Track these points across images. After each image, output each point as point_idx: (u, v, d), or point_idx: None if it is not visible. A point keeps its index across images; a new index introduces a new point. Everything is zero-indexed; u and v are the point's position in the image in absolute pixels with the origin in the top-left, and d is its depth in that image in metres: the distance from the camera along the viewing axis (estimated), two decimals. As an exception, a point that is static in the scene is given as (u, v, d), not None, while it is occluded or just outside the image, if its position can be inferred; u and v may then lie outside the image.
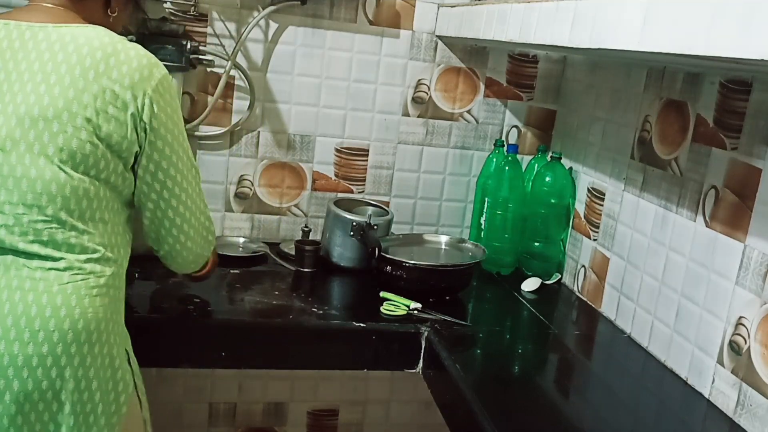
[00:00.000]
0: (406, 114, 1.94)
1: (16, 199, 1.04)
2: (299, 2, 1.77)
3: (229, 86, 1.82)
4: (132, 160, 1.13)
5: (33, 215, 1.04)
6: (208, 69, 1.79)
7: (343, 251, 1.76)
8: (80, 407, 1.05)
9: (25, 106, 1.04)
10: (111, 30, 1.14)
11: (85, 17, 1.15)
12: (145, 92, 1.10)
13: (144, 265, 1.67)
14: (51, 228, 1.05)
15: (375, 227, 1.72)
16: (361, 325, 1.48)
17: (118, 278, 1.14)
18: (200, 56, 1.73)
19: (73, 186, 1.06)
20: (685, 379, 1.39)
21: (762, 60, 0.72)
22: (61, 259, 1.05)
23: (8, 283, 1.03)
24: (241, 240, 1.88)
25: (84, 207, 1.08)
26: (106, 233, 1.12)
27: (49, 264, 1.05)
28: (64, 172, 1.05)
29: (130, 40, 1.67)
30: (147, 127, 1.11)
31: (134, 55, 1.10)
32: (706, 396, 1.33)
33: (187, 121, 1.80)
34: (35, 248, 1.04)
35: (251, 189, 1.89)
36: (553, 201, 1.84)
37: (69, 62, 1.06)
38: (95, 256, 1.09)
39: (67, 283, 1.05)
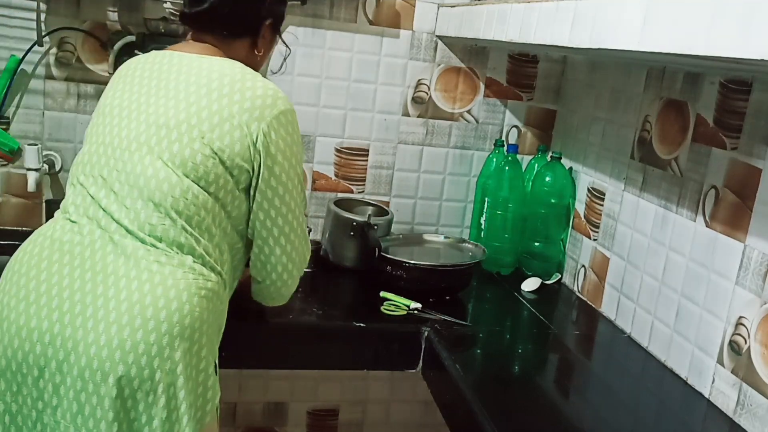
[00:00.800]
0: (406, 114, 1.94)
1: (135, 194, 1.13)
2: (299, 2, 1.77)
3: (229, 86, 1.81)
4: (245, 181, 1.20)
5: (149, 210, 1.12)
6: (208, 69, 1.79)
7: (343, 251, 1.76)
8: (174, 402, 1.07)
9: (154, 116, 1.16)
10: (254, 69, 1.25)
11: (230, 56, 1.26)
12: (263, 119, 1.17)
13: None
14: (164, 224, 1.12)
15: (375, 227, 1.72)
16: (361, 325, 1.48)
17: (221, 289, 1.18)
18: (200, 56, 1.73)
19: (183, 190, 1.13)
20: (685, 379, 1.39)
21: (762, 60, 0.72)
22: (176, 255, 1.12)
23: (127, 272, 1.08)
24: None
25: (192, 212, 1.14)
26: (211, 245, 1.17)
27: (164, 258, 1.11)
28: (177, 175, 1.13)
29: (131, 42, 1.70)
30: (262, 151, 1.18)
31: (261, 86, 1.19)
32: (706, 396, 1.33)
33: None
34: (152, 240, 1.11)
35: (251, 189, 1.89)
36: (553, 201, 1.84)
37: (198, 83, 1.17)
38: (201, 260, 1.15)
39: (181, 279, 1.10)
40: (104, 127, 1.20)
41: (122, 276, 1.08)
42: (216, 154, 1.15)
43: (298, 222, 1.27)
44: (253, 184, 1.21)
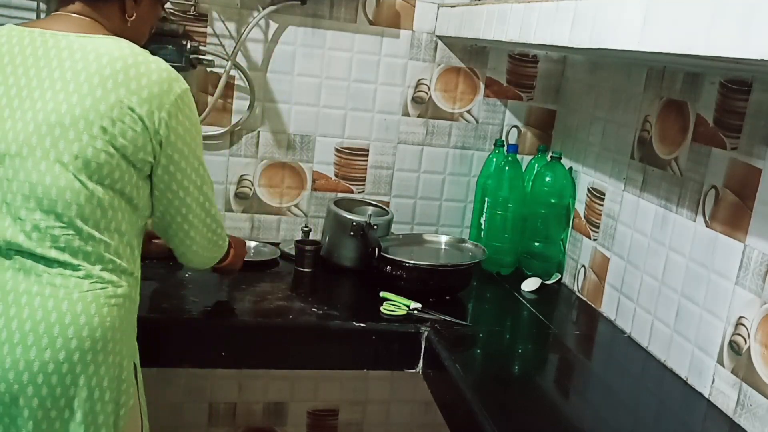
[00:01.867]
0: (406, 114, 1.94)
1: (32, 204, 1.04)
2: (299, 2, 1.77)
3: (229, 86, 1.82)
4: (147, 171, 1.13)
5: (49, 221, 1.04)
6: (208, 69, 1.79)
7: (343, 251, 1.76)
8: (91, 417, 1.05)
9: (43, 113, 1.04)
10: (134, 40, 1.15)
11: (107, 26, 1.16)
12: (162, 106, 1.10)
13: (143, 265, 1.66)
14: (68, 235, 1.05)
15: (375, 227, 1.72)
16: (361, 325, 1.48)
17: (133, 290, 1.14)
18: (200, 56, 1.73)
19: (88, 195, 1.06)
20: (685, 379, 1.39)
21: (762, 60, 0.72)
22: (80, 267, 1.06)
23: (28, 288, 1.03)
24: (253, 244, 1.86)
25: (99, 216, 1.08)
26: (121, 244, 1.11)
27: (68, 271, 1.05)
28: (79, 180, 1.05)
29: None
30: (163, 141, 1.11)
31: (154, 68, 1.10)
32: (706, 396, 1.33)
33: (187, 121, 1.80)
34: (53, 254, 1.04)
35: (251, 189, 1.90)
36: (553, 201, 1.84)
37: (88, 71, 1.06)
38: (110, 266, 1.09)
39: (87, 291, 1.05)
40: None
41: (23, 293, 1.02)
42: (118, 150, 1.07)
43: (198, 204, 1.21)
44: (154, 171, 1.14)
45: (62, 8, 1.15)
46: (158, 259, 1.63)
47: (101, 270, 1.07)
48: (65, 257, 1.05)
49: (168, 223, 1.21)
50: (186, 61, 1.68)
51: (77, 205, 1.05)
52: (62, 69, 1.06)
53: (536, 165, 1.92)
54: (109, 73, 1.06)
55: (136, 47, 1.12)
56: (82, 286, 1.05)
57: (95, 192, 1.06)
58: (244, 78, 1.81)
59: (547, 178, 1.84)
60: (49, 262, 1.04)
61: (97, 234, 1.07)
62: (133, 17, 1.19)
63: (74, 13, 1.14)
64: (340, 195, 1.94)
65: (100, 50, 1.08)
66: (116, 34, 1.15)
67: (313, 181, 1.93)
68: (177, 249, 1.27)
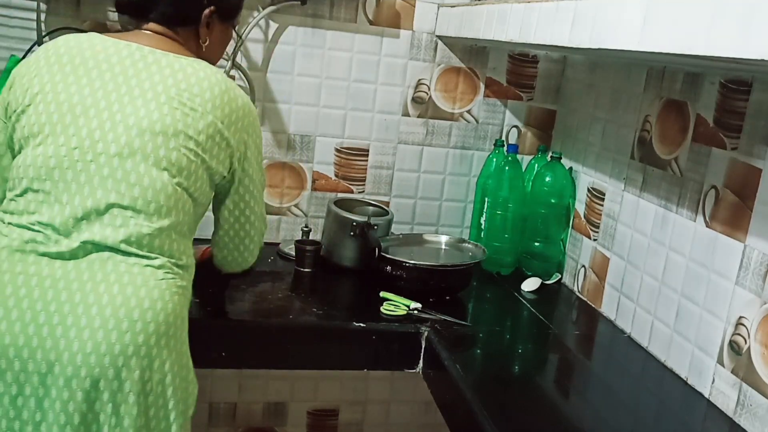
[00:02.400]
0: (406, 114, 1.94)
1: (126, 202, 1.10)
2: (299, 2, 1.77)
3: (229, 86, 1.81)
4: (217, 180, 1.24)
5: (140, 219, 1.11)
6: (208, 69, 1.79)
7: (343, 251, 1.76)
8: (163, 399, 1.10)
9: (148, 121, 1.12)
10: (209, 62, 1.26)
11: (186, 48, 1.25)
12: (244, 129, 1.23)
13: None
14: (152, 233, 1.12)
15: (375, 227, 1.72)
16: (361, 325, 1.48)
17: (190, 285, 1.21)
18: (200, 56, 1.73)
19: (176, 199, 1.14)
20: (685, 379, 1.39)
21: (762, 60, 0.72)
22: (157, 258, 1.12)
23: (105, 276, 1.07)
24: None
25: (181, 219, 1.16)
26: (186, 244, 1.20)
27: (145, 261, 1.11)
28: (172, 185, 1.13)
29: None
30: (242, 158, 1.25)
31: (239, 94, 1.23)
32: (706, 396, 1.33)
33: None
34: (134, 249, 1.10)
35: (251, 189, 1.89)
36: (553, 201, 1.84)
37: (191, 92, 1.16)
38: (180, 262, 1.16)
39: (161, 279, 1.11)
40: (68, 127, 1.11)
41: (100, 281, 1.06)
42: (207, 166, 1.18)
43: (259, 206, 1.35)
44: (227, 178, 1.26)
45: (142, 26, 1.24)
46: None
47: (169, 262, 1.14)
48: (144, 250, 1.11)
49: (237, 230, 1.34)
50: (186, 61, 1.68)
51: (167, 208, 1.13)
52: (165, 85, 1.15)
53: (536, 165, 1.92)
54: (209, 96, 1.17)
55: (221, 73, 1.23)
56: (156, 275, 1.11)
57: (182, 197, 1.15)
58: (244, 78, 1.81)
59: (547, 178, 1.84)
60: (127, 254, 1.09)
61: (174, 235, 1.15)
62: (207, 42, 1.29)
63: (154, 31, 1.23)
64: (340, 195, 1.94)
65: (199, 74, 1.18)
66: (195, 56, 1.25)
67: (313, 181, 1.93)
68: (237, 256, 1.39)
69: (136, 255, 1.10)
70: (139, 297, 1.07)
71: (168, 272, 1.12)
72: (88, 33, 1.21)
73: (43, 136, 1.11)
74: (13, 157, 1.16)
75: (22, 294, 1.04)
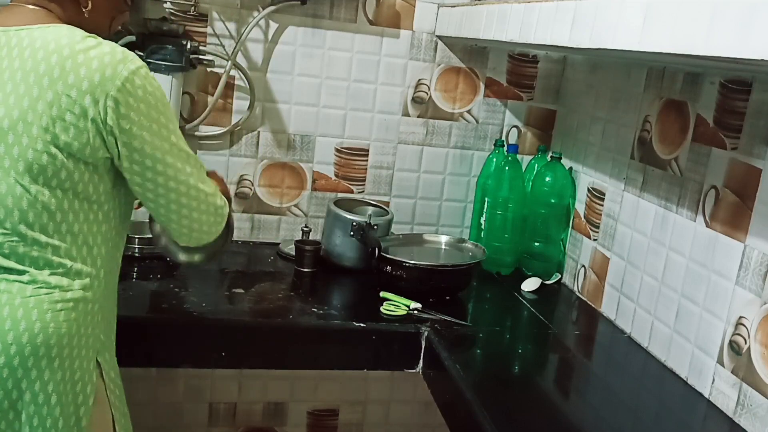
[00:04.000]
0: (406, 114, 1.94)
1: None
2: (299, 2, 1.77)
3: (229, 86, 1.82)
4: (105, 165, 1.07)
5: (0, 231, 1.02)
6: (208, 69, 1.79)
7: (343, 251, 1.76)
8: (38, 419, 1.04)
9: None
10: (95, 33, 1.08)
11: (62, 18, 1.10)
12: (107, 94, 1.02)
13: (143, 265, 1.67)
14: (11, 241, 1.02)
15: (375, 227, 1.72)
16: (361, 325, 1.48)
17: (92, 290, 1.09)
18: (200, 56, 1.73)
19: (30, 199, 1.02)
20: (685, 379, 1.39)
21: (762, 60, 0.72)
22: (25, 272, 1.03)
23: None
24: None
25: (45, 220, 1.04)
26: (75, 246, 1.07)
27: (12, 277, 1.03)
28: (20, 185, 1.01)
29: (131, 42, 1.69)
30: (114, 130, 1.04)
31: (95, 55, 1.02)
32: (706, 396, 1.33)
33: (187, 121, 1.80)
34: None
35: (251, 189, 1.89)
36: (553, 201, 1.84)
37: (24, 69, 1.01)
38: (61, 270, 1.05)
39: (30, 296, 1.02)
40: None
41: None
42: (62, 149, 1.02)
43: (186, 185, 1.12)
44: (117, 164, 1.08)
45: None
46: (158, 259, 1.63)
47: (49, 275, 1.04)
48: (10, 263, 1.02)
49: (165, 213, 1.14)
50: (186, 61, 1.68)
51: (19, 211, 1.02)
52: (12, 69, 1.01)
53: (536, 165, 1.92)
54: (44, 69, 1.00)
55: (78, 35, 1.04)
56: (24, 292, 1.02)
57: (39, 196, 1.02)
58: (244, 78, 1.81)
59: (547, 178, 1.84)
60: None
61: (43, 238, 1.04)
62: (89, 7, 1.12)
63: (29, 4, 1.08)
64: (340, 195, 1.93)
65: (36, 44, 1.02)
66: (75, 25, 1.08)
67: (313, 181, 1.93)
68: (184, 230, 1.17)
69: (3, 269, 1.02)
70: (2, 317, 1.00)
71: (40, 287, 1.03)
72: None
73: None
74: None
75: None
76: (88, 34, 1.06)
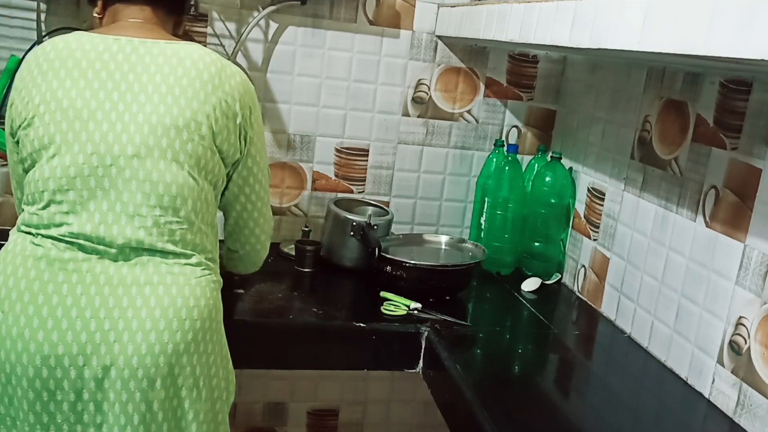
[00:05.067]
0: (406, 114, 1.94)
1: (153, 201, 1.11)
2: (299, 2, 1.77)
3: (229, 86, 1.81)
4: (231, 167, 1.24)
5: (169, 217, 1.12)
6: (208, 69, 1.79)
7: (343, 251, 1.76)
8: (215, 392, 1.16)
9: (156, 116, 1.11)
10: None
11: (169, 33, 1.25)
12: (247, 104, 1.21)
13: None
14: (183, 228, 1.13)
15: (375, 227, 1.72)
16: (361, 325, 1.48)
17: (220, 277, 1.23)
18: (200, 56, 1.73)
19: (199, 191, 1.15)
20: (685, 379, 1.39)
21: (762, 60, 0.72)
22: (193, 255, 1.14)
23: (149, 279, 1.09)
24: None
25: (205, 210, 1.17)
26: (213, 235, 1.22)
27: (183, 260, 1.13)
28: (193, 177, 1.14)
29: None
30: (248, 136, 1.23)
31: (236, 70, 1.22)
32: (706, 396, 1.33)
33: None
34: (170, 247, 1.12)
35: (251, 189, 1.89)
36: (553, 201, 1.84)
37: (189, 76, 1.15)
38: (210, 255, 1.19)
39: (200, 276, 1.14)
40: (80, 134, 1.09)
41: (144, 284, 1.08)
42: (219, 149, 1.18)
43: (266, 193, 1.33)
44: (237, 167, 1.26)
45: (131, 17, 1.22)
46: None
47: (205, 259, 1.17)
48: (181, 249, 1.13)
49: (245, 220, 1.32)
50: (186, 61, 1.68)
51: (192, 200, 1.14)
52: (162, 74, 1.14)
53: (536, 165, 1.92)
54: (207, 77, 1.16)
55: (215, 53, 1.22)
56: (195, 273, 1.13)
57: (204, 188, 1.16)
58: (244, 78, 1.81)
59: (547, 178, 1.84)
60: (165, 254, 1.11)
61: (203, 227, 1.17)
62: (181, 32, 1.31)
63: (141, 19, 1.22)
64: (340, 195, 1.94)
65: (193, 56, 1.17)
66: None
67: (313, 181, 1.93)
68: (250, 249, 1.37)
69: (174, 254, 1.12)
70: (184, 296, 1.10)
71: (205, 269, 1.15)
72: (74, 32, 1.19)
73: (55, 147, 1.10)
74: (25, 172, 1.15)
75: (69, 303, 1.05)
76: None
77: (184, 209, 1.13)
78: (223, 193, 1.28)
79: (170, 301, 1.08)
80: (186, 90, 1.14)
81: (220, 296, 1.18)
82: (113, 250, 1.09)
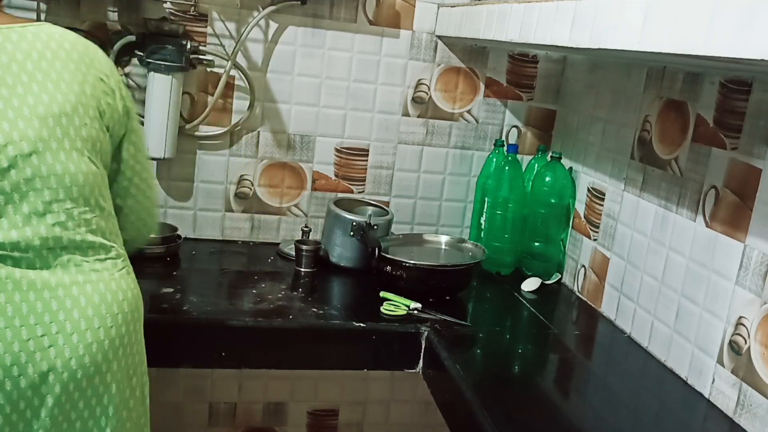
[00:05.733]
0: (406, 114, 1.94)
1: (62, 195, 1.04)
2: (299, 2, 1.77)
3: (229, 86, 1.82)
4: (120, 143, 1.18)
5: (81, 207, 1.07)
6: (208, 69, 1.79)
7: (343, 251, 1.76)
8: (145, 378, 1.16)
9: (42, 106, 1.03)
10: None
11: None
12: (116, 76, 1.16)
13: (141, 265, 1.67)
14: (96, 216, 1.09)
15: (375, 227, 1.72)
16: (361, 325, 1.48)
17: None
18: (200, 56, 1.73)
19: (100, 175, 1.10)
20: (685, 379, 1.39)
21: (762, 60, 0.72)
22: (111, 247, 1.11)
23: (73, 279, 1.05)
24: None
25: (107, 194, 1.13)
26: (115, 219, 1.18)
27: (103, 254, 1.09)
28: (93, 162, 1.09)
29: (131, 42, 1.70)
30: (128, 110, 1.17)
31: (96, 46, 1.16)
32: (706, 396, 1.33)
33: (187, 121, 1.80)
34: (91, 237, 1.08)
35: (251, 189, 1.90)
36: (553, 201, 1.84)
37: (60, 58, 1.07)
38: (119, 241, 1.16)
39: (122, 269, 1.12)
40: None
41: (70, 285, 1.04)
42: (108, 127, 1.13)
43: (149, 164, 1.29)
44: (122, 141, 1.19)
45: None
46: (157, 259, 1.63)
47: (120, 247, 1.14)
48: (99, 239, 1.09)
49: (134, 193, 1.24)
50: (186, 61, 1.68)
51: (97, 187, 1.09)
52: (32, 60, 1.04)
53: (536, 165, 1.92)
54: (77, 56, 1.09)
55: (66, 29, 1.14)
56: (117, 265, 1.11)
57: (101, 171, 1.11)
58: (244, 78, 1.81)
59: (547, 178, 1.84)
60: (84, 249, 1.07)
61: (111, 210, 1.14)
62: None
63: None
64: (340, 195, 1.94)
65: (55, 36, 1.08)
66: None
67: (313, 181, 1.93)
68: (140, 223, 1.29)
69: (92, 247, 1.08)
70: (112, 291, 1.08)
71: (124, 259, 1.14)
72: None
73: None
74: None
75: None
76: None
77: (92, 197, 1.08)
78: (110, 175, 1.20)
79: (100, 298, 1.06)
80: (62, 73, 1.06)
81: (137, 285, 1.16)
82: (30, 254, 1.02)
